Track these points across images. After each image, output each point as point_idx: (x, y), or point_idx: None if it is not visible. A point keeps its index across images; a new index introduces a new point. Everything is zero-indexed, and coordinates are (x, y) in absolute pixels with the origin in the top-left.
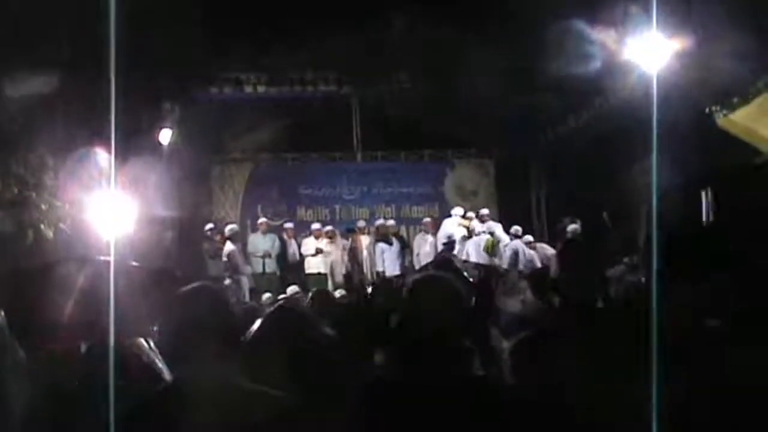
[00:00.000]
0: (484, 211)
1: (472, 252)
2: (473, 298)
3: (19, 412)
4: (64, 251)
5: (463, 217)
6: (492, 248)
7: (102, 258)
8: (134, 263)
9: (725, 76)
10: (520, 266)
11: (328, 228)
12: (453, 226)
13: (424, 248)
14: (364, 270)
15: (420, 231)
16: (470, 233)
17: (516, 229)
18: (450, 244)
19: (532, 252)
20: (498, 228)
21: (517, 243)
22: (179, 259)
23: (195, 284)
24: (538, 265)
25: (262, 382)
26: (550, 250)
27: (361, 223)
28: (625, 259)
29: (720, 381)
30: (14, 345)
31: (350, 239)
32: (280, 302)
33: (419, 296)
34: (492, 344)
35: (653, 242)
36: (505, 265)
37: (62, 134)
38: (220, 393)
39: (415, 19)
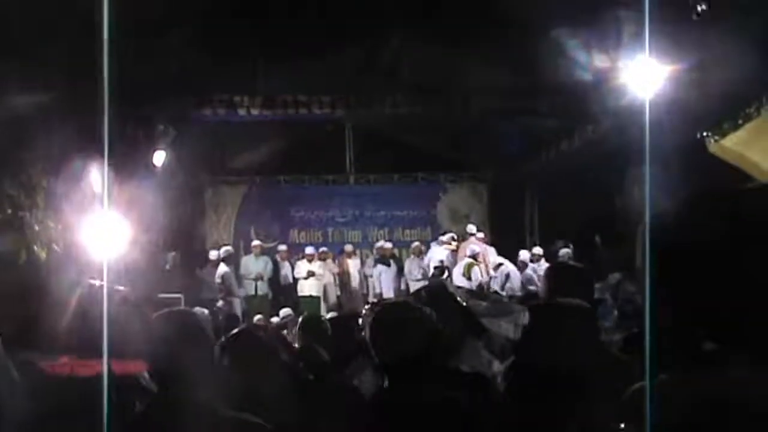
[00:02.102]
0: (471, 228)
1: (456, 277)
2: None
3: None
4: (57, 272)
5: (453, 240)
6: (469, 272)
7: (95, 281)
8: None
9: (717, 101)
10: (513, 289)
11: (322, 250)
12: (440, 251)
13: (414, 272)
14: (353, 293)
15: (411, 255)
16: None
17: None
18: (441, 269)
19: (519, 275)
20: (492, 252)
21: (508, 266)
22: (172, 281)
23: (171, 309)
24: (532, 287)
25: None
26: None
27: (349, 247)
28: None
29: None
30: (8, 364)
31: (338, 262)
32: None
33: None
34: (484, 368)
35: (646, 263)
36: (496, 288)
37: (56, 154)
38: (196, 417)
39: (409, 43)
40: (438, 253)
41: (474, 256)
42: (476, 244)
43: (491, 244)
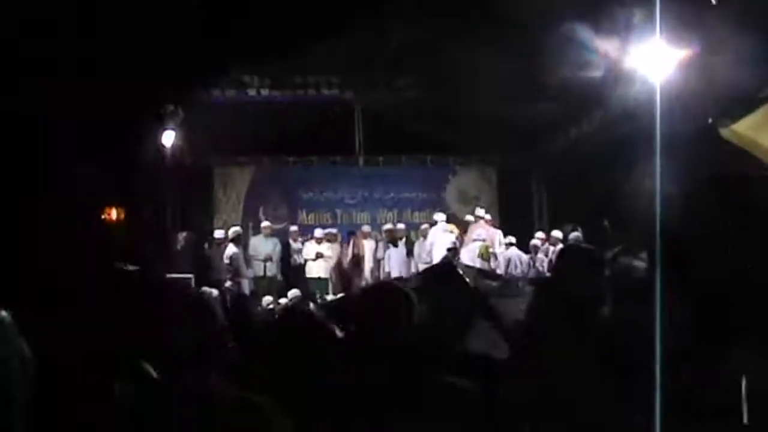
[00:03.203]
0: (479, 211)
1: (466, 259)
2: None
3: (25, 410)
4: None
5: (447, 222)
6: (487, 254)
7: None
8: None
9: (729, 85)
10: (517, 273)
11: (328, 231)
12: (441, 232)
13: (423, 255)
14: (365, 274)
15: (420, 237)
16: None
17: (509, 239)
18: (453, 250)
19: (525, 258)
20: (498, 235)
21: (512, 251)
22: (183, 262)
23: (187, 292)
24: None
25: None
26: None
27: (366, 228)
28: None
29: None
30: (21, 342)
31: (351, 243)
32: (288, 304)
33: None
34: (492, 350)
35: (656, 253)
36: (500, 272)
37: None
38: (204, 400)
39: (418, 24)
40: (440, 237)
41: (483, 239)
42: (482, 228)
43: (499, 227)
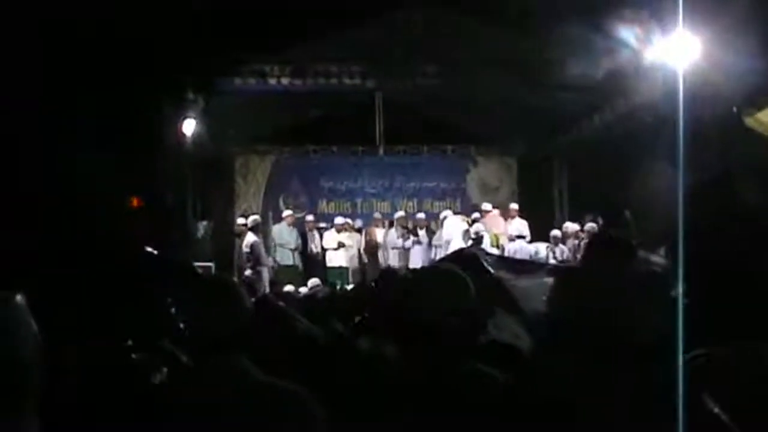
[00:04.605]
0: (487, 205)
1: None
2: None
3: (38, 392)
4: None
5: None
6: (498, 243)
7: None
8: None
9: (753, 74)
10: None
11: (346, 221)
12: (456, 223)
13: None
14: (380, 262)
15: (441, 227)
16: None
17: (518, 231)
18: (478, 239)
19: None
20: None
21: (516, 244)
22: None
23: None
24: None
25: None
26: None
27: (377, 215)
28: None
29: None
30: (33, 325)
31: (365, 232)
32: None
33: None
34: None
35: (679, 243)
36: None
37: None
38: (227, 384)
39: (441, 13)
40: (456, 227)
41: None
42: (484, 221)
43: (521, 217)
